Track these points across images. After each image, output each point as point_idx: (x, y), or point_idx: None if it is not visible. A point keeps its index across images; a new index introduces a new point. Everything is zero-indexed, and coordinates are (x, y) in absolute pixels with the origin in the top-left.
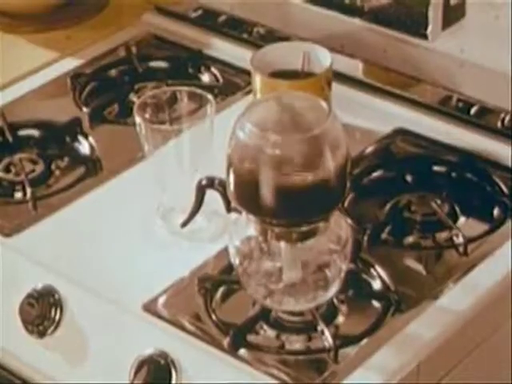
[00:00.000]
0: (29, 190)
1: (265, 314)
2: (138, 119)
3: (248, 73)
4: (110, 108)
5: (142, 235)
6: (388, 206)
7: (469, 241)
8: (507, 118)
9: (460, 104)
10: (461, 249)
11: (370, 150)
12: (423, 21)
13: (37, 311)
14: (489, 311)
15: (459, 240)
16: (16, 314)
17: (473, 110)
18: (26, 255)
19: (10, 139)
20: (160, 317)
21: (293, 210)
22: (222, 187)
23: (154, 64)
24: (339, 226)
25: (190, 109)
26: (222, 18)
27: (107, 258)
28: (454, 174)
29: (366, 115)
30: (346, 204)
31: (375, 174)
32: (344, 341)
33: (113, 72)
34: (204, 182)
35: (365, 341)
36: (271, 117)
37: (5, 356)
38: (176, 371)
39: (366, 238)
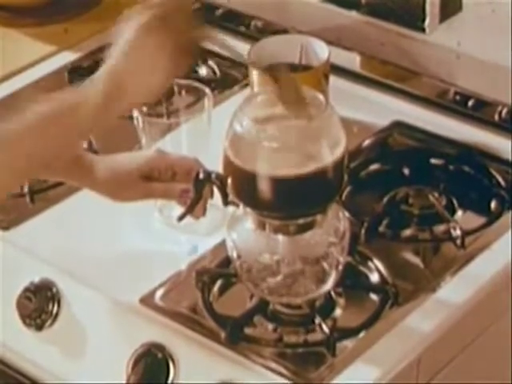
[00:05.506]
0: (26, 184)
1: (262, 307)
2: (135, 112)
3: (245, 66)
4: None
5: (140, 228)
6: (385, 199)
7: (466, 234)
8: (504, 111)
9: (457, 97)
10: (458, 242)
11: (367, 143)
12: (420, 14)
13: (34, 305)
14: (486, 304)
15: (457, 233)
16: (14, 307)
17: (470, 103)
18: (23, 249)
19: None
20: (157, 310)
21: (290, 202)
22: (219, 181)
23: None
24: (337, 218)
25: (188, 102)
26: (220, 11)
27: (105, 252)
28: (451, 167)
29: (364, 108)
30: (343, 197)
31: (373, 167)
32: (342, 334)
33: None
34: (201, 176)
35: (362, 334)
36: (268, 110)
37: (2, 349)
38: (173, 364)
39: (363, 230)
